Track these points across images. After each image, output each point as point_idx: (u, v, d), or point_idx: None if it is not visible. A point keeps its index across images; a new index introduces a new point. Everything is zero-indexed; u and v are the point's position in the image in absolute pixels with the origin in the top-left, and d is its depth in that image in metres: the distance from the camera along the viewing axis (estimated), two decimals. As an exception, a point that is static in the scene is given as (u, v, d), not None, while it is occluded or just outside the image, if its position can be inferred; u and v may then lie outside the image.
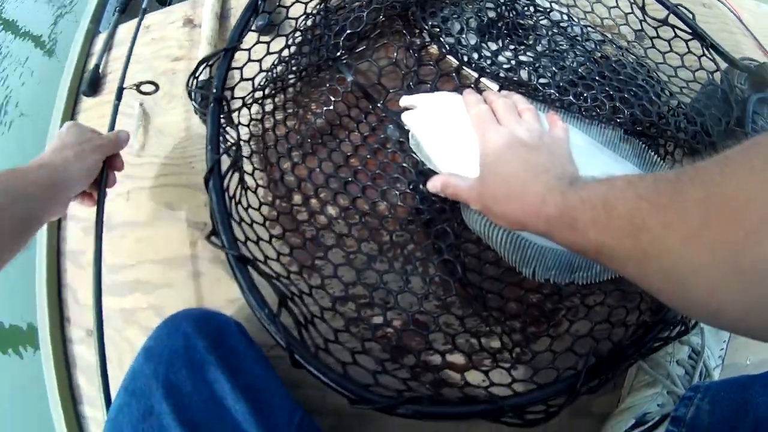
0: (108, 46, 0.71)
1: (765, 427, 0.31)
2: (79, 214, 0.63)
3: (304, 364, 0.34)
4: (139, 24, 0.68)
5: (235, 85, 0.47)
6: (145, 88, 0.61)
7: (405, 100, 0.48)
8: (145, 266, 0.57)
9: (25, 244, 0.45)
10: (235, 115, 0.46)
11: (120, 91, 0.62)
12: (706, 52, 0.56)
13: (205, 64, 0.44)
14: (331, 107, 0.54)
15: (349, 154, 0.53)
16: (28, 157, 0.47)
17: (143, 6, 0.70)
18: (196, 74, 0.44)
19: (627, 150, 0.48)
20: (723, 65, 0.57)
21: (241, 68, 0.47)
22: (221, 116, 0.42)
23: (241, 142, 0.44)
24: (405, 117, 0.47)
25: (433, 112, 0.45)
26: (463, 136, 0.42)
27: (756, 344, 0.46)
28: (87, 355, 0.57)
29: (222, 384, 0.40)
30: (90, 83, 0.68)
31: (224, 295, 0.54)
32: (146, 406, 0.35)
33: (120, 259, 0.58)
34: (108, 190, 0.54)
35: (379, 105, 0.53)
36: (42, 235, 0.63)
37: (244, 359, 0.44)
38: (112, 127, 0.60)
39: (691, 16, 0.55)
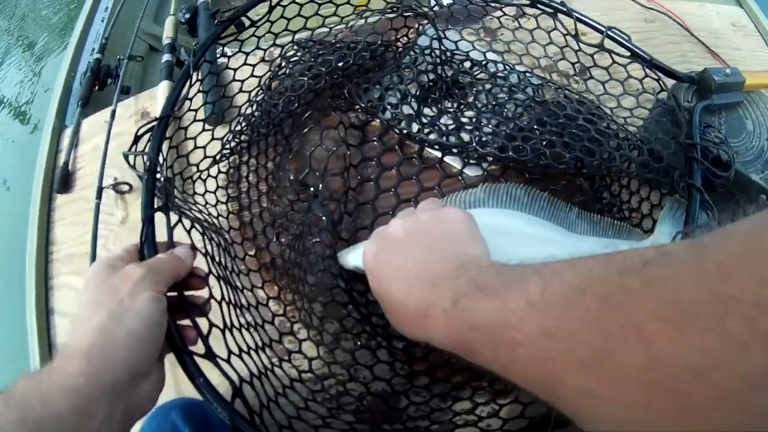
0: (74, 142, 0.72)
1: None
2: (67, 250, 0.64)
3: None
4: (111, 125, 0.69)
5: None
6: (121, 188, 0.65)
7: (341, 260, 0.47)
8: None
9: None
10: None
11: (99, 191, 0.64)
12: (648, 72, 0.54)
13: (144, 132, 0.45)
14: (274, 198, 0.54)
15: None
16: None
17: (114, 101, 0.71)
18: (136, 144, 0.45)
19: (583, 225, 0.47)
20: (670, 83, 0.56)
21: (187, 155, 0.50)
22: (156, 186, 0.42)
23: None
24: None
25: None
26: None
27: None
28: None
29: (208, 469, 0.42)
30: (61, 181, 0.69)
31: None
32: None
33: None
34: None
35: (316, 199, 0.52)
36: (31, 265, 0.63)
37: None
38: (95, 229, 0.61)
39: (627, 37, 0.53)
